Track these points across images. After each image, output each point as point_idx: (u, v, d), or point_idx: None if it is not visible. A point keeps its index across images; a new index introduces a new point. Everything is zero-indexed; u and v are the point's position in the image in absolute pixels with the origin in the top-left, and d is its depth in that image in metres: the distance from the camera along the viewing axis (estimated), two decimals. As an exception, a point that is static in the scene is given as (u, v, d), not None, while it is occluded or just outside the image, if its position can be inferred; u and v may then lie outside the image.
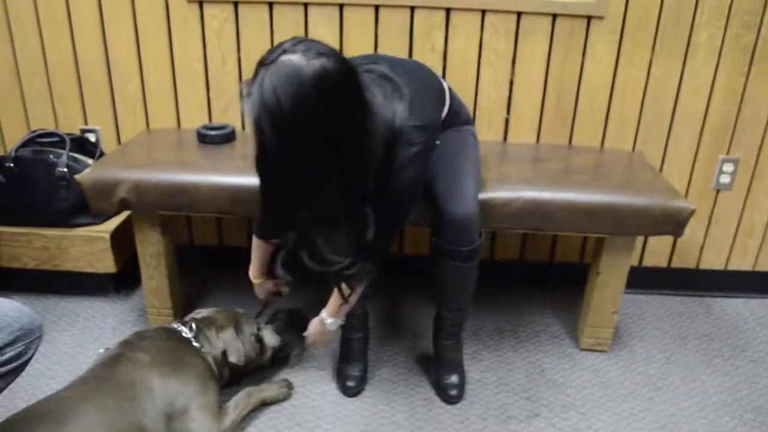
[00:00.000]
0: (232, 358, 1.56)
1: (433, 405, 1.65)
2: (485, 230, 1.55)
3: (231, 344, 1.57)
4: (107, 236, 1.93)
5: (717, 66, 1.95)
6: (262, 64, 1.10)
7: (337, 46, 1.86)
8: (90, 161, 1.95)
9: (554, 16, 1.92)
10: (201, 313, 1.65)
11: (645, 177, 1.82)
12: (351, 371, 1.69)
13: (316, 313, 1.63)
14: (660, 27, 1.91)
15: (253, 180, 1.64)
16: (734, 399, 1.72)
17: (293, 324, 1.75)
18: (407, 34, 1.95)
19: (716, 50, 1.93)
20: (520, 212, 1.65)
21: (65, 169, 1.90)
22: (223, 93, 2.06)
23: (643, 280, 2.21)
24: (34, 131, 1.99)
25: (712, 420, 1.64)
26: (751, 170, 2.08)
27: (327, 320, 1.60)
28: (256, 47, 1.99)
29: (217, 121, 2.09)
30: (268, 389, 1.62)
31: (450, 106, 1.60)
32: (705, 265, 2.23)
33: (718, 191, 2.12)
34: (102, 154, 2.03)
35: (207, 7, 1.95)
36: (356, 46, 1.92)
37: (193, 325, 1.56)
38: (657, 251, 2.21)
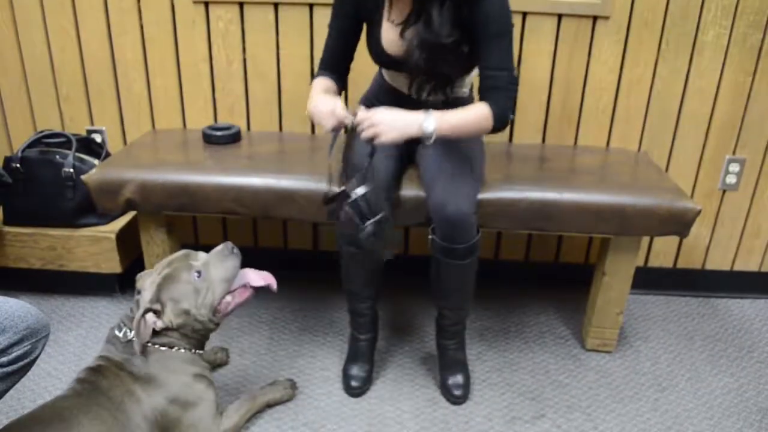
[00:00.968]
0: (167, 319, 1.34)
1: (438, 405, 1.65)
2: (489, 229, 1.54)
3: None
4: (113, 236, 1.93)
5: (723, 66, 1.95)
6: None
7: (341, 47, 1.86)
8: (96, 162, 1.96)
9: (560, 16, 1.91)
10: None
11: (651, 177, 1.81)
12: (356, 372, 1.69)
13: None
14: (666, 27, 1.91)
15: (257, 180, 1.66)
16: (740, 400, 1.71)
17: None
18: (412, 34, 1.95)
19: (722, 50, 1.93)
20: (525, 213, 1.64)
21: (71, 170, 1.91)
22: (228, 93, 2.06)
23: (648, 280, 2.20)
24: (41, 132, 2.00)
25: (718, 421, 1.63)
26: (757, 170, 2.07)
27: (429, 117, 1.41)
28: (261, 48, 2.00)
29: (222, 121, 2.09)
30: (272, 391, 1.61)
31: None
32: (711, 265, 2.22)
33: (724, 191, 2.11)
34: (108, 154, 2.03)
35: (213, 8, 1.96)
36: (362, 46, 1.92)
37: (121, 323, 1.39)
38: (663, 252, 2.20)
